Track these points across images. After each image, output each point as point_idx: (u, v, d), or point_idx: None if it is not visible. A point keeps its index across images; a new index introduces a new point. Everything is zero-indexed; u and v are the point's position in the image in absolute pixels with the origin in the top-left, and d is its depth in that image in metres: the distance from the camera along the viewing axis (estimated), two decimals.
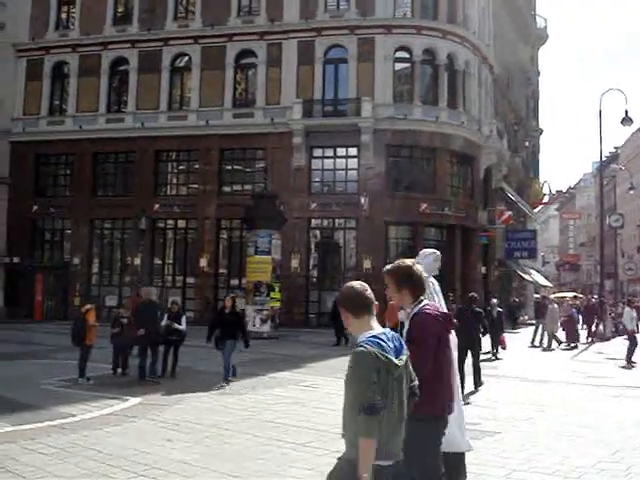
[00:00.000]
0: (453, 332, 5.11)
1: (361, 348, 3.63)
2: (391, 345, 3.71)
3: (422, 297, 4.87)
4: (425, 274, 6.05)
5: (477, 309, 14.73)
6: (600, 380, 15.76)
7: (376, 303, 3.86)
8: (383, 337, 3.70)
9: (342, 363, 14.52)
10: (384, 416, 3.55)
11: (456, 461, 6.56)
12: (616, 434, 9.49)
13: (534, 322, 28.66)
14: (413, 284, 4.82)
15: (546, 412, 11.35)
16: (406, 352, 3.83)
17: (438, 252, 7.15)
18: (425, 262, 7.03)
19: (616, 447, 8.60)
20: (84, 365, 13.75)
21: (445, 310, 6.68)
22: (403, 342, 3.89)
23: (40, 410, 9.91)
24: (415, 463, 4.48)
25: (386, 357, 3.60)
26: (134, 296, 24.43)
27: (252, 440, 8.79)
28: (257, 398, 12.34)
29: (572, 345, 25.78)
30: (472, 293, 14.88)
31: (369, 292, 3.84)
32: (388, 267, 5.00)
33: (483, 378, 13.88)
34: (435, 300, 6.96)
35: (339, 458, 3.78)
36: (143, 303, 15.44)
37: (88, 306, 14.62)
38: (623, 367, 18.86)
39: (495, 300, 23.70)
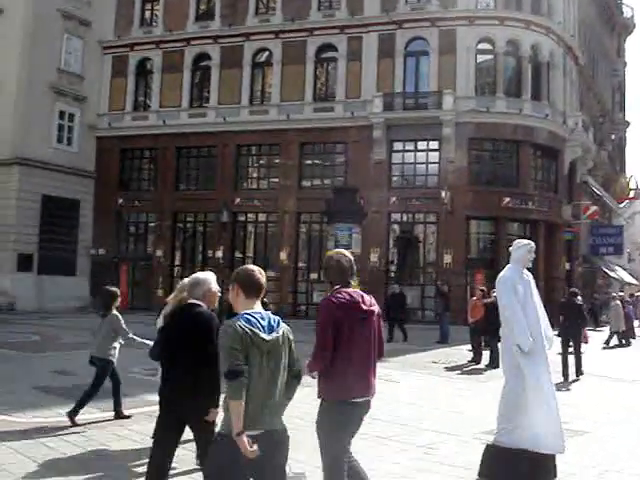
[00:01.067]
0: (375, 318, 5.14)
1: (229, 322, 4.11)
2: (263, 323, 4.14)
3: (339, 285, 5.07)
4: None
5: (578, 302, 15.83)
6: None
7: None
8: (256, 315, 4.16)
9: (426, 358, 14.31)
10: (251, 385, 3.99)
11: (546, 461, 6.42)
12: None
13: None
14: (328, 273, 5.18)
15: (636, 413, 10.97)
16: (282, 332, 4.21)
17: (532, 243, 6.98)
18: (518, 253, 6.85)
19: None
20: None
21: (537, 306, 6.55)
22: (281, 323, 4.25)
23: (127, 397, 10.03)
24: (322, 444, 4.92)
25: (251, 330, 4.04)
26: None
27: None
28: None
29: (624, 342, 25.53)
30: (573, 288, 15.00)
31: (263, 279, 4.35)
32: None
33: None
34: (530, 295, 6.75)
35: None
36: None
37: None
38: None
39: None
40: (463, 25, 33.54)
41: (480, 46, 33.84)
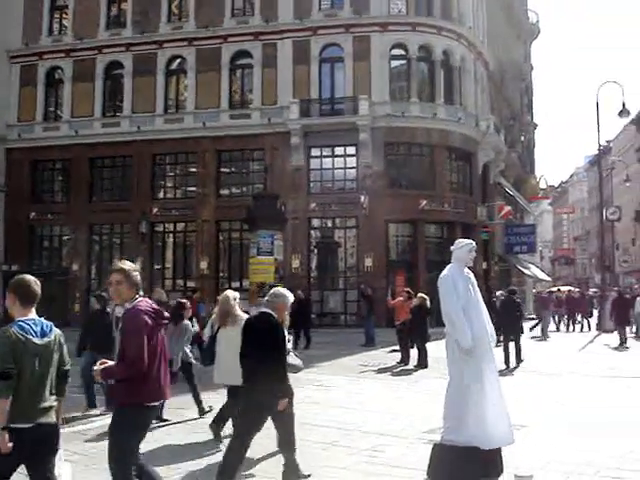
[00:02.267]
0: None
1: (4, 328, 4.54)
2: (36, 329, 4.60)
3: (139, 294, 5.30)
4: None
5: (516, 299, 18.04)
6: (614, 371, 15.73)
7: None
8: (30, 322, 4.61)
9: (354, 362, 14.39)
10: (23, 384, 4.44)
11: (494, 455, 6.52)
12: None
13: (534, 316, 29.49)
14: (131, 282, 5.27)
15: (568, 405, 11.29)
16: (54, 336, 4.69)
17: (473, 243, 7.13)
18: (460, 252, 6.99)
19: None
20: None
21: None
22: (53, 329, 4.72)
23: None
24: (117, 445, 5.13)
25: (23, 336, 4.49)
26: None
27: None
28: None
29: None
30: (512, 286, 15.60)
31: (39, 288, 4.77)
32: (122, 266, 5.31)
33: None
34: (471, 292, 6.91)
35: None
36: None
37: None
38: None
39: (500, 292, 24.20)
40: (376, 31, 33.99)
41: (394, 52, 34.37)
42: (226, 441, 7.48)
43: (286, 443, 7.09)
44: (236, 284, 33.65)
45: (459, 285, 6.79)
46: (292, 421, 7.20)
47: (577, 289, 41.88)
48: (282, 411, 6.59)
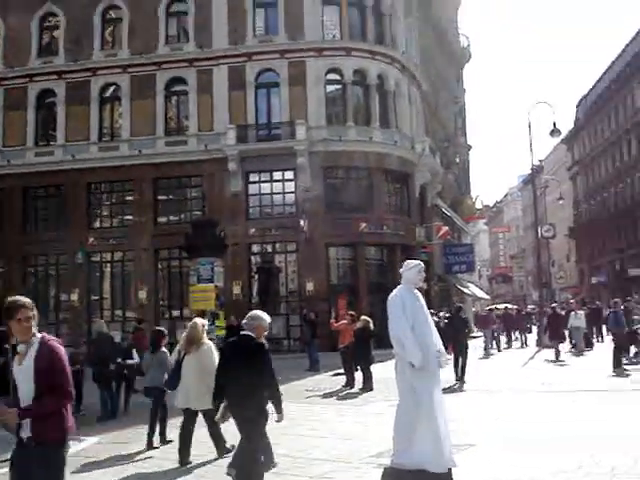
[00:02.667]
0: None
1: None
2: None
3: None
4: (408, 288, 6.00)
5: (463, 316, 18.96)
6: (555, 386, 15.93)
7: None
8: None
9: (300, 387, 14.22)
10: None
11: (445, 477, 6.47)
12: (588, 436, 9.56)
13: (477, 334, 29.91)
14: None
15: (509, 421, 11.35)
16: None
17: (422, 264, 7.15)
18: (408, 273, 6.99)
19: (592, 450, 8.62)
20: None
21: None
22: None
23: None
24: None
25: None
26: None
27: None
28: (227, 428, 12.04)
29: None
30: (459, 304, 15.69)
31: None
32: (24, 300, 4.95)
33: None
34: (421, 312, 6.89)
35: None
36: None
37: None
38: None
39: (442, 313, 24.54)
40: (312, 56, 34.24)
41: (329, 76, 34.65)
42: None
43: None
44: (176, 312, 33.24)
45: (407, 305, 6.80)
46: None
47: (515, 306, 42.69)
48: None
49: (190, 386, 9.07)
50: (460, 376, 17.26)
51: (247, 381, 6.69)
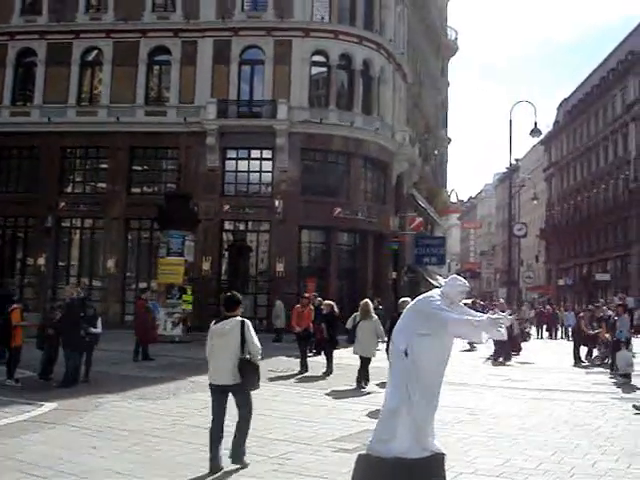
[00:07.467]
0: None
1: None
2: None
3: None
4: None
5: None
6: (518, 383, 16.03)
7: None
8: None
9: (264, 366, 14.08)
10: None
11: (425, 465, 6.23)
12: (550, 435, 9.61)
13: None
14: None
15: (477, 416, 11.35)
16: None
17: (468, 286, 6.65)
18: (451, 290, 6.52)
19: (554, 448, 8.68)
20: (12, 368, 13.45)
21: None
22: None
23: None
24: None
25: None
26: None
27: (185, 447, 8.45)
28: (181, 403, 11.95)
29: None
30: (404, 298, 15.18)
31: None
32: None
33: None
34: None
35: None
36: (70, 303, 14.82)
37: (14, 306, 13.92)
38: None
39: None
40: (298, 36, 33.87)
41: (315, 58, 34.33)
42: None
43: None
44: (143, 284, 32.86)
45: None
46: None
47: (481, 302, 42.91)
48: None
49: (364, 340, 14.64)
50: None
51: None
